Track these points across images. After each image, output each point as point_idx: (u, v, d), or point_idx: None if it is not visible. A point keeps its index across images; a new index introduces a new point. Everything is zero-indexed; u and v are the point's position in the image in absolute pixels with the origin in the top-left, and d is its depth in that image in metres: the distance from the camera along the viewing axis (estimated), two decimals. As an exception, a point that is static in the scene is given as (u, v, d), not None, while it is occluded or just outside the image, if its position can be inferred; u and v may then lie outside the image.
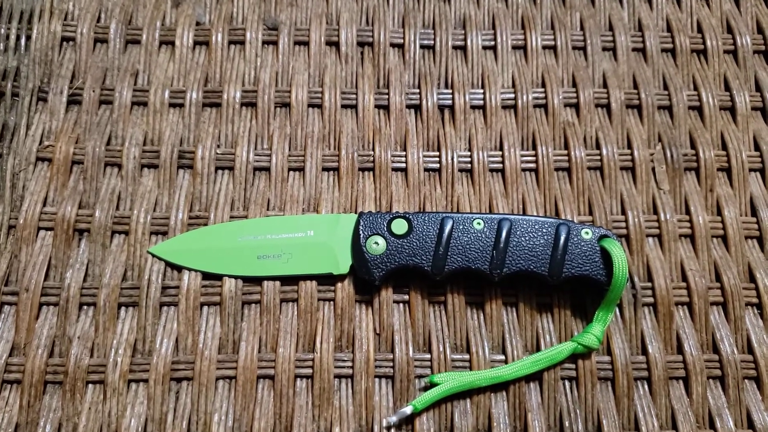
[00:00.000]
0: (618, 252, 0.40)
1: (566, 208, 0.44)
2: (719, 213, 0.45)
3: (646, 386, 0.40)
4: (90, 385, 0.38)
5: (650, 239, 0.44)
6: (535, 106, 0.48)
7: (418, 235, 0.41)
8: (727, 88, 0.49)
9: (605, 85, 0.49)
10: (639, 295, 0.42)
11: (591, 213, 0.44)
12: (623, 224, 0.44)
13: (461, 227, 0.41)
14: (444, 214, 0.41)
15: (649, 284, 0.42)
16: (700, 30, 0.51)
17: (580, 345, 0.40)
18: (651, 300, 0.42)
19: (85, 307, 0.40)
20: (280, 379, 0.38)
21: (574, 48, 0.50)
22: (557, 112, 0.47)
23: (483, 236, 0.41)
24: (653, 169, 0.46)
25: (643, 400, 0.40)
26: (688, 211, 0.45)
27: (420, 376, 0.39)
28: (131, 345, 0.39)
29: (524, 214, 0.44)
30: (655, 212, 0.45)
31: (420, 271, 0.40)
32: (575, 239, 0.41)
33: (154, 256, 0.41)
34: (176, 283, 0.40)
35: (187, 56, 0.48)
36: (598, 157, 0.46)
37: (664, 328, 0.41)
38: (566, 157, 0.46)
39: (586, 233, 0.41)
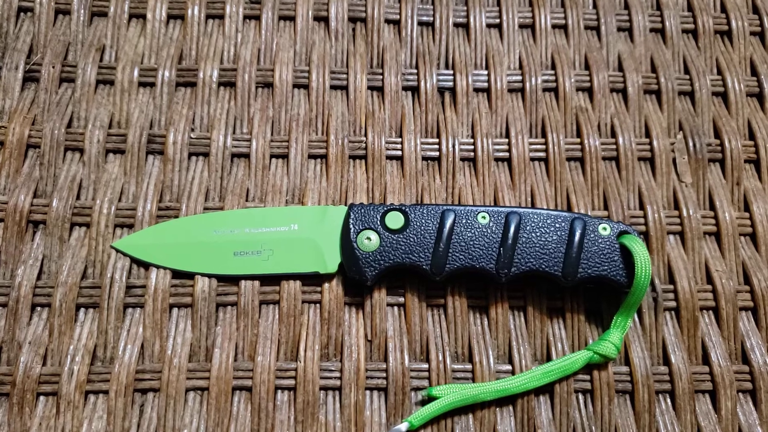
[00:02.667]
0: (640, 250, 0.37)
1: (579, 202, 0.42)
2: (747, 208, 0.43)
3: (668, 400, 0.38)
4: (41, 397, 0.36)
5: (671, 237, 0.41)
6: (545, 89, 0.45)
7: (415, 229, 0.38)
8: (754, 72, 0.47)
9: (621, 69, 0.46)
10: (660, 299, 0.39)
11: (606, 207, 0.42)
12: (642, 220, 0.41)
13: (464, 221, 0.38)
14: (445, 207, 0.38)
15: (671, 287, 0.40)
16: (723, 9, 0.49)
17: (596, 354, 0.37)
18: (673, 304, 0.40)
19: (38, 308, 0.37)
20: (259, 391, 0.36)
21: (586, 28, 0.47)
22: (569, 97, 0.45)
23: (489, 232, 0.38)
24: (674, 160, 0.44)
25: (665, 415, 0.37)
26: (712, 207, 0.43)
27: (416, 389, 0.37)
28: (90, 351, 0.36)
29: (533, 207, 0.41)
30: (677, 207, 0.42)
31: (417, 271, 0.38)
32: (592, 235, 0.38)
33: (118, 251, 0.38)
34: (142, 282, 0.38)
35: (160, 30, 0.45)
36: (614, 147, 0.44)
37: (688, 335, 0.39)
38: (579, 146, 0.43)
39: (604, 229, 0.38)
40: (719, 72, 0.47)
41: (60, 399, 0.35)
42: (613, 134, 0.44)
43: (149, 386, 0.36)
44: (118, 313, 0.37)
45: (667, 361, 0.38)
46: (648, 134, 0.44)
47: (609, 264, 0.37)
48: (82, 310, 0.37)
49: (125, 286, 0.38)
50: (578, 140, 0.44)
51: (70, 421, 0.35)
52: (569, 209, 0.42)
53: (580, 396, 0.37)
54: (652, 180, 0.43)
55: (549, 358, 0.38)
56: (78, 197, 0.40)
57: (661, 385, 0.38)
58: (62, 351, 0.36)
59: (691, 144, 0.44)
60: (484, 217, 0.38)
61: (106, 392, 0.36)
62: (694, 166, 0.43)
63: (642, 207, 0.42)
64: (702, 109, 0.45)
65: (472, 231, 0.38)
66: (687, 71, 0.47)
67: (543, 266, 0.37)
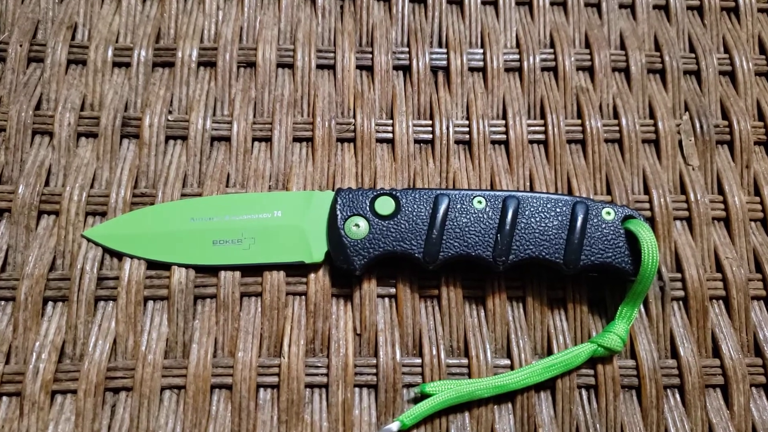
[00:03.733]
0: (647, 235, 0.35)
1: (580, 186, 0.40)
2: (758, 192, 0.41)
3: (677, 396, 0.36)
4: (4, 398, 0.34)
5: (678, 223, 0.40)
6: (543, 69, 0.44)
7: (407, 215, 0.36)
8: (763, 50, 0.46)
9: (623, 47, 0.45)
10: (667, 288, 0.38)
11: (609, 192, 0.40)
12: (647, 205, 0.40)
13: (459, 206, 0.36)
14: (438, 191, 0.36)
15: (679, 275, 0.39)
16: (730, -15, 0.48)
17: (600, 347, 0.35)
18: (681, 293, 0.38)
19: (2, 302, 0.36)
20: (240, 389, 0.34)
21: (586, 4, 0.46)
22: (569, 77, 0.43)
23: (485, 217, 0.36)
24: (680, 142, 0.42)
25: (674, 411, 0.36)
26: (721, 191, 0.41)
27: (409, 386, 0.35)
28: (57, 348, 0.34)
29: (532, 191, 0.39)
30: (683, 191, 0.41)
31: (409, 259, 0.36)
32: (595, 220, 0.36)
33: (89, 240, 0.37)
34: (115, 274, 0.36)
35: (136, 8, 0.43)
36: (617, 128, 0.42)
37: (698, 326, 0.38)
38: (580, 128, 0.42)
39: (608, 213, 0.36)
40: (726, 50, 0.45)
41: (24, 400, 0.33)
42: (616, 115, 0.43)
43: (121, 385, 0.34)
44: (88, 307, 0.35)
45: (675, 354, 0.37)
46: (652, 115, 0.43)
47: (613, 250, 0.36)
48: (50, 303, 0.36)
49: (96, 278, 0.36)
50: (579, 122, 0.42)
51: (34, 424, 0.33)
52: (570, 194, 0.40)
53: (584, 392, 0.36)
54: (657, 163, 0.42)
55: (550, 352, 0.36)
56: (47, 183, 0.38)
57: (670, 380, 0.36)
58: (27, 348, 0.34)
59: (697, 125, 0.43)
60: (480, 202, 0.36)
61: (74, 392, 0.34)
62: (701, 149, 0.42)
63: (647, 191, 0.41)
64: (709, 88, 0.44)
65: (468, 216, 0.36)
66: (692, 49, 0.45)
67: (543, 253, 0.35)
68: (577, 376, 0.36)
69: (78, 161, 0.39)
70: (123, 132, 0.40)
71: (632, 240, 0.36)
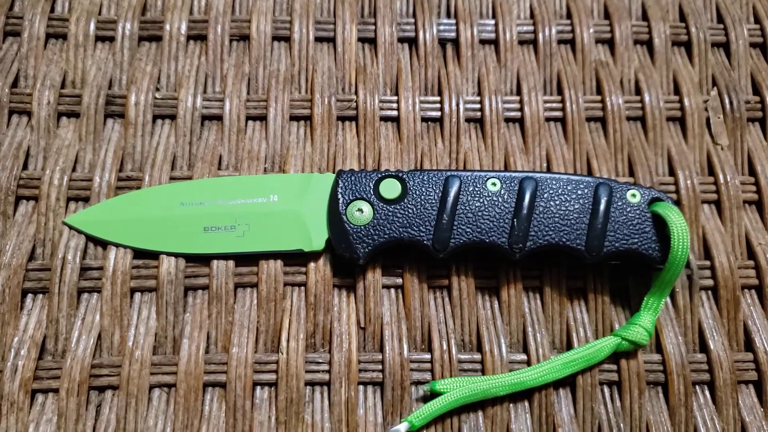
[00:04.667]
0: (677, 219, 0.33)
1: (601, 168, 0.39)
2: None
3: (707, 393, 0.35)
4: None
5: (706, 206, 0.38)
6: (560, 41, 0.42)
7: (414, 199, 0.34)
8: None
9: (645, 17, 0.43)
10: (695, 277, 0.36)
11: (632, 173, 0.39)
12: (672, 188, 0.38)
13: (471, 189, 0.34)
14: (449, 173, 0.34)
15: (708, 263, 0.37)
16: (760, -50, 0.46)
17: (624, 341, 0.34)
18: (710, 282, 0.37)
19: None
20: (234, 387, 0.33)
21: None
22: (587, 50, 0.42)
23: (500, 200, 0.34)
24: (707, 119, 0.40)
25: (704, 410, 0.34)
26: (752, 172, 0.39)
27: (418, 383, 0.34)
28: (38, 344, 0.33)
29: (551, 172, 0.37)
30: (712, 173, 0.39)
31: (417, 247, 0.34)
32: (619, 203, 0.34)
33: (71, 228, 0.35)
34: (99, 263, 0.35)
35: None
36: (639, 105, 0.41)
37: (728, 318, 0.36)
38: (600, 105, 0.40)
39: (633, 196, 0.34)
40: (757, 20, 0.44)
41: (2, 399, 0.32)
42: (638, 91, 0.41)
43: (107, 383, 0.33)
44: (71, 299, 0.34)
45: (704, 347, 0.35)
46: (677, 91, 0.41)
47: (639, 236, 0.34)
48: (30, 296, 0.34)
49: (79, 268, 0.35)
50: (599, 98, 0.41)
51: (13, 425, 0.32)
52: (591, 175, 0.37)
53: (606, 389, 0.34)
54: (683, 142, 0.40)
55: (569, 346, 0.35)
56: (25, 167, 0.37)
57: (699, 375, 0.35)
58: (5, 344, 0.33)
59: (726, 101, 0.41)
60: (494, 184, 0.34)
61: (56, 391, 0.33)
62: (731, 126, 0.40)
63: (672, 173, 0.39)
64: (738, 61, 0.42)
65: (481, 200, 0.34)
66: (721, 19, 0.43)
67: (563, 239, 0.33)
68: (599, 372, 0.34)
69: (59, 143, 0.37)
70: (107, 111, 0.38)
71: (659, 225, 0.34)
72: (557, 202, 0.33)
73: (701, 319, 0.35)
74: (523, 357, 0.34)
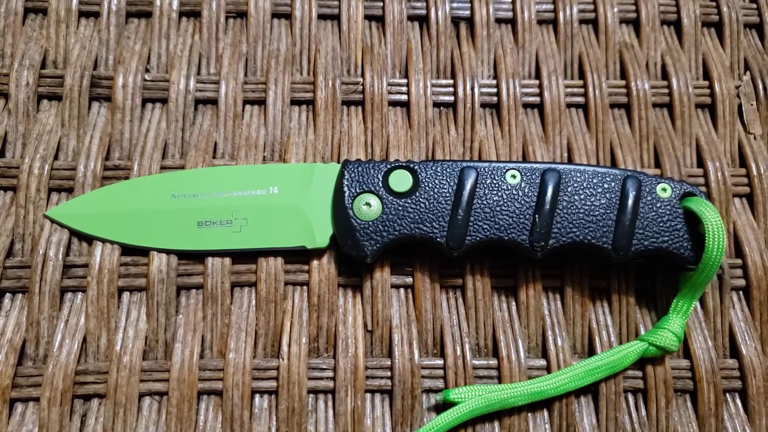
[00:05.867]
0: (712, 216, 0.31)
1: (626, 158, 0.37)
2: None
3: (738, 401, 0.34)
4: None
5: (737, 200, 0.37)
6: (582, 21, 0.41)
7: (427, 192, 0.32)
8: None
9: None
10: (726, 276, 0.35)
11: (658, 164, 0.37)
12: (701, 180, 0.37)
13: (489, 182, 0.32)
14: (464, 164, 0.32)
15: (739, 261, 0.36)
16: (796, -77, 0.44)
17: (652, 346, 0.32)
18: (742, 282, 0.35)
19: None
20: (231, 395, 0.32)
21: None
22: (611, 31, 0.40)
23: (520, 194, 0.32)
24: (740, 106, 0.39)
25: (735, 420, 0.33)
26: None
27: (429, 391, 0.33)
28: (17, 348, 0.32)
29: (574, 163, 0.35)
30: (744, 164, 0.38)
31: (430, 245, 0.33)
32: (649, 198, 0.32)
33: (53, 221, 0.34)
34: (84, 260, 0.34)
35: None
36: (666, 91, 0.39)
37: (762, 320, 0.35)
38: (624, 90, 0.39)
39: (664, 190, 0.32)
40: None
41: None
42: (665, 76, 0.40)
43: (93, 391, 0.32)
44: (53, 300, 0.33)
45: (736, 352, 0.34)
46: (707, 76, 0.40)
47: (670, 234, 0.32)
48: (8, 295, 0.33)
49: (62, 266, 0.33)
50: (623, 83, 0.39)
51: None
52: (614, 167, 0.36)
53: (631, 397, 0.33)
54: (713, 131, 0.38)
55: (591, 351, 0.34)
56: (2, 154, 0.35)
57: (730, 383, 0.34)
58: None
59: (760, 86, 0.39)
60: (514, 176, 0.32)
61: (37, 399, 0.32)
62: (765, 114, 0.39)
63: (701, 164, 0.37)
64: None
65: (499, 193, 0.32)
66: None
67: (589, 237, 0.31)
68: (623, 379, 0.33)
69: (39, 128, 0.36)
70: (92, 94, 0.37)
71: (691, 222, 0.32)
72: (582, 197, 0.31)
73: (732, 321, 0.34)
74: (543, 363, 0.33)
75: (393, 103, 0.38)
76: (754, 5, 0.41)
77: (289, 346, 0.32)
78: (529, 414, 0.32)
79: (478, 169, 0.32)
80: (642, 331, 0.34)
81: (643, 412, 0.33)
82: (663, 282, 0.34)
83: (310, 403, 0.32)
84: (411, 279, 0.34)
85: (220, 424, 0.31)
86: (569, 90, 0.38)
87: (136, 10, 0.38)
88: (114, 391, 0.31)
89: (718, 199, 0.36)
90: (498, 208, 0.31)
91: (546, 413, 0.32)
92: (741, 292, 0.35)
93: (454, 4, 0.40)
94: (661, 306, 0.34)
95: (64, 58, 0.37)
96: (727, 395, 0.33)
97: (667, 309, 0.33)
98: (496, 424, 0.32)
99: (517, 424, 0.32)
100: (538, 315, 0.34)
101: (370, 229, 0.32)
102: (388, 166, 0.33)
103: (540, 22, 0.40)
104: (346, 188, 0.32)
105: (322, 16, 0.39)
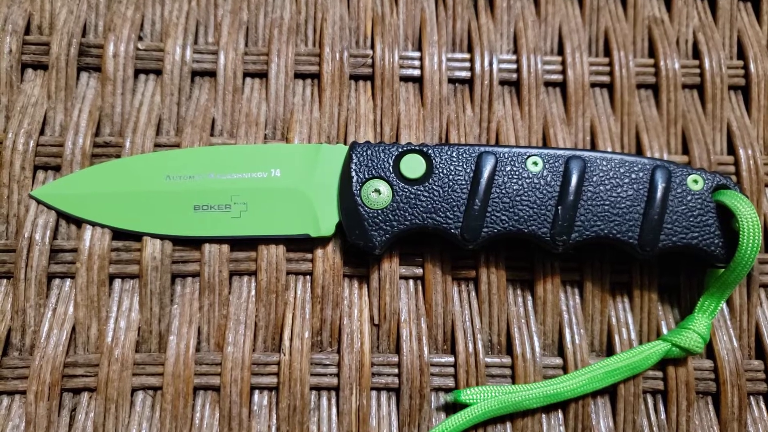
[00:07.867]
0: (747, 212, 0.29)
1: (652, 143, 0.35)
2: None
3: (762, 404, 0.33)
4: None
5: None
6: None
7: (441, 179, 0.30)
8: None
9: None
10: (755, 272, 0.33)
11: (686, 151, 0.36)
12: (732, 168, 0.36)
13: (509, 169, 0.30)
14: (482, 148, 0.30)
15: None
16: None
17: (675, 347, 0.31)
18: None
19: None
20: (229, 392, 0.31)
21: None
22: (639, 4, 0.39)
23: (542, 183, 0.30)
24: None
25: (759, 424, 0.32)
26: None
27: (439, 390, 0.32)
28: (1, 339, 0.31)
29: (594, 149, 0.34)
30: None
31: (443, 236, 0.31)
32: (679, 190, 0.30)
33: (39, 202, 0.33)
34: (73, 245, 0.33)
35: None
36: (698, 71, 0.37)
37: None
38: (652, 69, 0.37)
39: (695, 182, 0.30)
40: None
41: None
42: (697, 54, 0.38)
43: (83, 385, 0.31)
44: (39, 286, 0.32)
45: (762, 353, 0.33)
46: (742, 55, 0.38)
47: (701, 229, 0.30)
48: None
49: (49, 250, 0.32)
50: (651, 61, 0.37)
51: None
52: (639, 152, 0.35)
53: (650, 398, 0.32)
54: (746, 115, 0.37)
55: (610, 349, 0.33)
56: None
57: (755, 385, 0.33)
58: None
59: None
60: (535, 163, 0.30)
61: (23, 393, 0.31)
62: None
63: (732, 150, 0.36)
64: None
65: (520, 182, 0.30)
66: None
67: (614, 231, 0.30)
68: (642, 380, 0.32)
69: (23, 100, 0.34)
70: (80, 63, 0.35)
71: (722, 216, 0.30)
72: (608, 187, 0.30)
73: (759, 320, 0.33)
74: (559, 361, 0.32)
75: (405, 79, 0.36)
76: (796, -22, 0.39)
77: (291, 339, 0.32)
78: (543, 415, 0.31)
79: (497, 155, 0.30)
80: (664, 330, 0.33)
81: (663, 415, 0.32)
82: (687, 278, 0.33)
83: (313, 400, 0.31)
84: (421, 270, 0.33)
85: (217, 421, 0.30)
86: (594, 68, 0.37)
87: (128, -28, 0.36)
88: (105, 385, 0.30)
89: (749, 189, 0.35)
90: (518, 198, 0.29)
91: (561, 414, 0.31)
92: (770, 290, 0.33)
93: (473, -28, 0.37)
94: (685, 304, 0.33)
95: (50, 23, 0.36)
96: (752, 398, 0.32)
97: (691, 307, 0.32)
98: (509, 425, 0.31)
99: (531, 425, 0.31)
100: (555, 311, 0.32)
101: (379, 218, 0.30)
102: (400, 150, 0.31)
103: (564, -7, 0.38)
104: (354, 173, 0.30)
105: (329, -18, 0.37)
